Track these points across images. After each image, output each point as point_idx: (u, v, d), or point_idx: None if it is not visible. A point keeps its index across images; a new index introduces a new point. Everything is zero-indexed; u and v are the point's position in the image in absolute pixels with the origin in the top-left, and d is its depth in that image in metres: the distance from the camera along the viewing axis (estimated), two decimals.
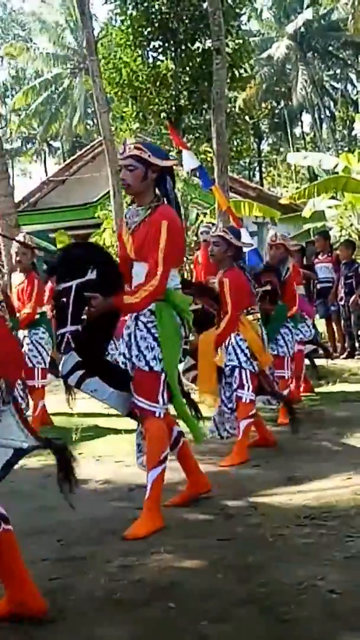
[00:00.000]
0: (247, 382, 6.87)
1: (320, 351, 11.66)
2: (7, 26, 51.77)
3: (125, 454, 6.92)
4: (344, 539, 4.56)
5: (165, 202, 4.97)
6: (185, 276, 13.72)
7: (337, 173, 19.30)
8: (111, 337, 5.43)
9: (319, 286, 14.36)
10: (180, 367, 5.91)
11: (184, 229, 4.89)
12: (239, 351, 6.85)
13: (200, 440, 5.10)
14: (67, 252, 4.98)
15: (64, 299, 4.73)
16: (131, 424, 5.57)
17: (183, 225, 4.92)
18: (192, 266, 10.80)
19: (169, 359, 4.95)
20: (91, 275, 4.80)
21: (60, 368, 5.03)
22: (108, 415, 5.74)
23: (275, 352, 8.37)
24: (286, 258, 8.89)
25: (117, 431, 7.43)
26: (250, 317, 7.06)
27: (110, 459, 7.04)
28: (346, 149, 34.13)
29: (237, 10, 19.83)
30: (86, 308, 4.77)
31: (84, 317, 4.80)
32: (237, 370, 6.86)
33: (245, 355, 6.88)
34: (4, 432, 3.39)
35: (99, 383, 5.01)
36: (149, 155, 4.83)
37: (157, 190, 4.97)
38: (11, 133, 47.64)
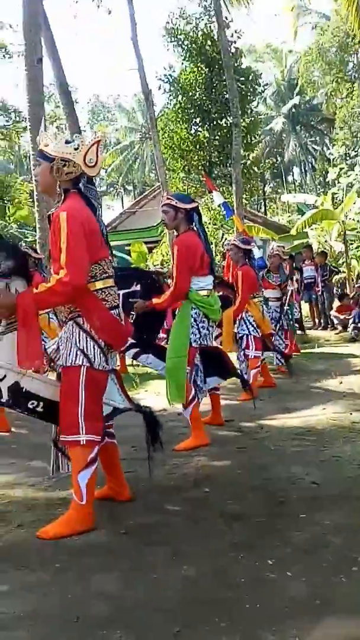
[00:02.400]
0: (252, 344, 6.95)
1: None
2: (97, 111, 51.67)
3: None
4: (321, 448, 4.57)
5: (195, 230, 4.92)
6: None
7: (317, 207, 19.23)
8: (159, 328, 5.66)
9: (305, 282, 14.53)
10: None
11: (199, 244, 4.81)
12: (247, 323, 6.92)
13: (172, 401, 4.84)
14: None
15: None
16: None
17: (202, 242, 4.82)
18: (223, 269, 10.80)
19: (174, 336, 4.87)
20: (136, 287, 5.02)
21: None
22: None
23: (285, 327, 8.58)
24: (281, 263, 8.96)
25: None
26: (255, 300, 7.06)
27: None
28: (322, 190, 33.68)
29: (250, 98, 19.65)
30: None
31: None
32: (245, 336, 6.90)
33: (252, 325, 6.93)
34: (109, 395, 3.40)
35: (153, 358, 5.11)
36: (176, 202, 4.85)
37: (192, 224, 4.91)
38: (100, 181, 47.71)
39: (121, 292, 4.75)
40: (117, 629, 2.33)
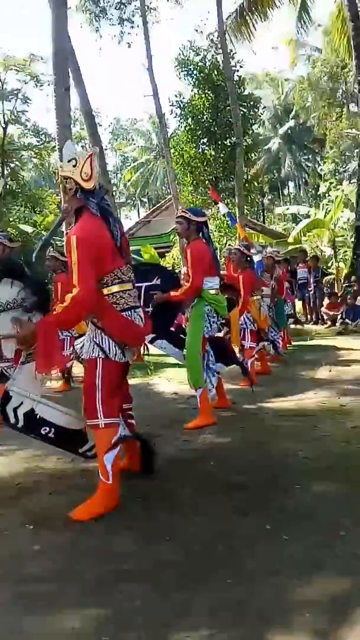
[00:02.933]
0: (248, 336, 6.92)
1: (294, 321, 11.84)
2: (117, 132, 51.50)
3: (185, 378, 6.95)
4: (312, 428, 4.54)
5: (203, 240, 4.95)
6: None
7: (309, 216, 19.25)
8: (174, 318, 5.59)
9: (299, 282, 14.60)
10: (221, 333, 5.89)
11: (208, 250, 4.92)
12: (245, 318, 6.89)
13: (196, 386, 4.82)
14: (137, 268, 5.01)
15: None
16: None
17: (210, 249, 4.93)
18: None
19: (191, 331, 4.93)
20: (157, 281, 5.00)
21: None
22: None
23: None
24: (274, 264, 8.83)
25: (180, 365, 7.42)
26: (254, 298, 7.03)
27: (176, 380, 7.05)
28: (314, 202, 33.49)
29: (251, 121, 19.53)
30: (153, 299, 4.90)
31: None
32: (242, 329, 6.89)
33: (249, 320, 6.93)
34: None
35: (167, 344, 5.13)
36: (189, 215, 4.91)
37: (200, 234, 4.95)
38: (119, 194, 47.61)
39: (144, 284, 4.82)
40: (135, 584, 2.35)
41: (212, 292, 4.94)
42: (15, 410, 3.15)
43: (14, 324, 3.17)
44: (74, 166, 3.13)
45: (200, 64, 18.33)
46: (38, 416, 3.21)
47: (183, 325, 6.20)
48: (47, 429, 3.25)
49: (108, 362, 3.13)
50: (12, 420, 3.16)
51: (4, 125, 21.00)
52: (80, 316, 3.21)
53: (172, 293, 4.91)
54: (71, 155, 3.17)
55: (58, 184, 3.23)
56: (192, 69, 18.35)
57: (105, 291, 3.14)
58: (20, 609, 2.22)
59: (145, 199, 49.77)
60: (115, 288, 3.16)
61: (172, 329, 5.59)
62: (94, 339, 3.16)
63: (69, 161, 3.15)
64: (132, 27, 18.47)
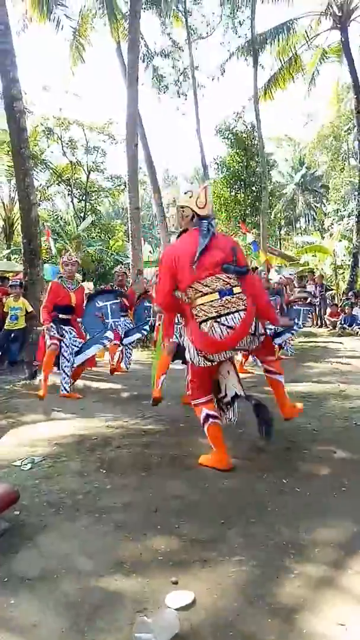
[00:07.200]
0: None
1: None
2: (167, 179, 51.71)
3: None
4: (318, 407, 4.43)
5: None
6: None
7: (314, 243, 18.88)
8: None
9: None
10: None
11: None
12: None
13: None
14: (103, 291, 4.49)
15: None
16: None
17: None
18: None
19: None
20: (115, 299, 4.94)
21: None
22: None
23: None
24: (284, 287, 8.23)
25: None
26: None
27: None
28: (319, 234, 32.88)
29: (272, 173, 19.30)
30: None
31: None
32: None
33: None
34: (230, 383, 3.09)
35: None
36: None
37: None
38: (171, 225, 47.61)
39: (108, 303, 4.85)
40: (183, 518, 2.33)
41: None
42: None
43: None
44: (190, 197, 2.97)
45: (234, 130, 18.38)
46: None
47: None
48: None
49: (193, 366, 2.96)
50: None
51: (87, 173, 21.40)
52: (165, 314, 3.36)
53: None
54: (187, 189, 3.03)
55: (177, 212, 3.03)
56: (228, 134, 18.42)
57: (192, 304, 2.83)
58: (96, 530, 2.23)
59: None
60: (198, 301, 2.79)
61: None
62: (185, 343, 2.99)
63: (185, 193, 3.01)
64: (186, 99, 18.54)
